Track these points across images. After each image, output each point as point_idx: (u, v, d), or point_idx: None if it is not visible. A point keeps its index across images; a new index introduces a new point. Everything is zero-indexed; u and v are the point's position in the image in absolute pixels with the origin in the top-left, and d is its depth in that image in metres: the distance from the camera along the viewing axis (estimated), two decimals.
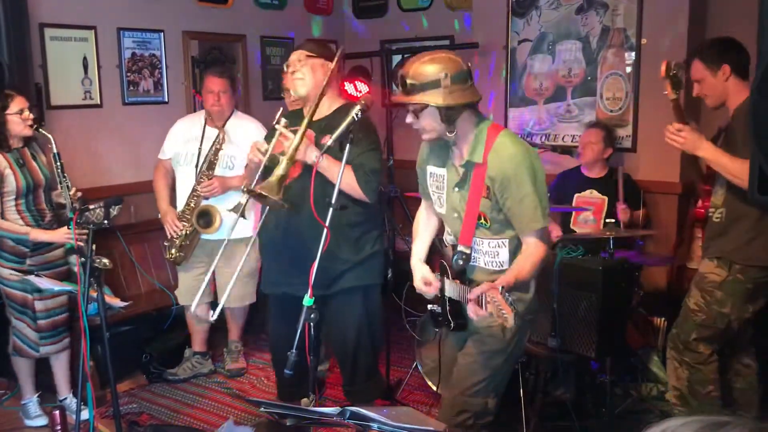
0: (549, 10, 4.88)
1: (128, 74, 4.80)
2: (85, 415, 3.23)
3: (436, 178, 2.57)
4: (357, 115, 2.58)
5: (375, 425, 1.87)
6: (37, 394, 3.81)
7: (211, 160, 4.03)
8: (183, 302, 4.34)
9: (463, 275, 2.46)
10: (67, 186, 3.52)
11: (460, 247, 2.47)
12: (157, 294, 4.64)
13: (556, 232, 4.25)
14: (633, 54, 4.55)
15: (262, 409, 2.18)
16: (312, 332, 2.41)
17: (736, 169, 2.73)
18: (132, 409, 3.94)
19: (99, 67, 4.63)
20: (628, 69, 4.59)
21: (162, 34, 4.95)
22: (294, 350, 2.36)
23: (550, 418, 3.54)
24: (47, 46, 4.36)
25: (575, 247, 3.39)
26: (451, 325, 2.53)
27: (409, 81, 2.32)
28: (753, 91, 1.89)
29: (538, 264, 2.39)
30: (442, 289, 2.53)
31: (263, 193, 2.67)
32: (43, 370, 3.83)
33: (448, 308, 2.52)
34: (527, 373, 3.60)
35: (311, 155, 2.84)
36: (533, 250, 2.40)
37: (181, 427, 3.75)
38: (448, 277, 2.50)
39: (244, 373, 4.45)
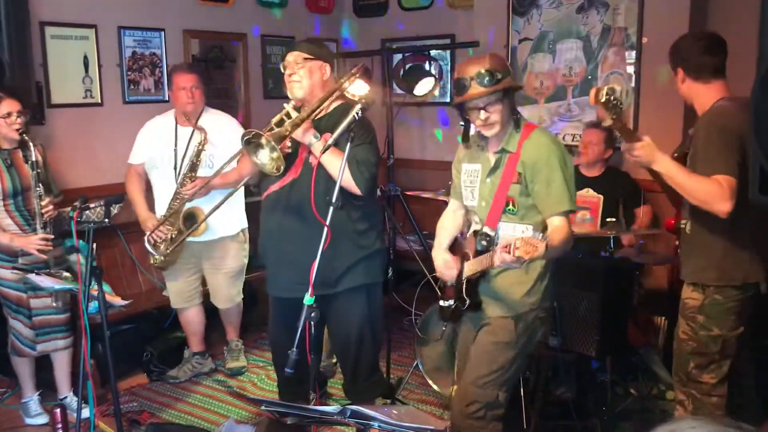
0: (550, 8, 4.88)
1: (129, 73, 4.80)
2: (85, 413, 3.23)
3: (470, 174, 2.74)
4: (358, 114, 2.58)
5: (376, 424, 1.87)
6: (37, 393, 3.81)
7: (194, 162, 3.93)
8: (175, 305, 4.33)
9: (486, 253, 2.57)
10: (40, 196, 3.49)
11: (485, 229, 2.61)
12: (157, 292, 4.64)
13: None
14: (634, 53, 4.55)
15: (263, 407, 2.18)
16: (313, 331, 2.40)
17: (689, 186, 2.57)
18: (133, 408, 3.94)
19: (99, 66, 4.63)
20: (629, 68, 4.59)
21: (163, 32, 4.95)
22: (295, 349, 2.36)
23: (551, 417, 3.54)
24: (48, 45, 4.36)
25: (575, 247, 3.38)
26: (467, 303, 2.64)
27: (494, 72, 2.51)
28: (754, 89, 1.89)
29: (564, 241, 2.48)
30: (459, 276, 2.66)
31: (266, 139, 2.67)
32: (43, 368, 3.83)
33: (464, 290, 2.65)
34: (528, 373, 3.61)
35: (309, 137, 2.88)
36: (561, 228, 2.51)
37: (181, 426, 3.74)
38: (467, 260, 2.64)
39: (245, 371, 4.45)
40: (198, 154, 3.94)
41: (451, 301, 2.73)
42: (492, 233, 2.59)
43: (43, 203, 3.49)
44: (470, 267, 2.63)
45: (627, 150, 2.64)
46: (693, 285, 2.80)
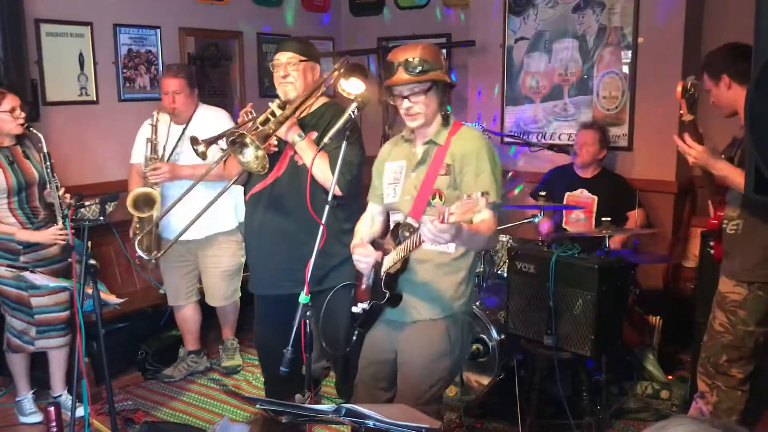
0: (546, 8, 4.88)
1: (124, 70, 4.79)
2: (80, 411, 3.22)
3: (394, 170, 2.62)
4: (354, 113, 2.57)
5: (370, 422, 1.87)
6: (31, 391, 3.80)
7: (154, 143, 3.93)
8: (171, 302, 4.32)
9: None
10: (57, 186, 3.48)
11: (408, 220, 2.48)
12: (152, 291, 4.63)
13: (548, 229, 4.26)
14: (629, 53, 4.55)
15: (258, 405, 2.18)
16: (308, 329, 2.40)
17: None
18: (127, 406, 3.93)
19: (95, 64, 4.62)
20: (625, 68, 4.59)
21: (158, 30, 4.94)
22: (290, 347, 2.36)
23: (547, 416, 3.54)
24: (43, 42, 4.35)
25: (571, 246, 3.38)
26: (386, 297, 2.49)
27: (422, 62, 2.42)
28: (750, 87, 1.88)
29: (486, 232, 2.36)
30: (378, 270, 2.52)
31: (250, 138, 2.67)
32: (37, 366, 3.82)
33: (383, 282, 2.50)
34: (522, 372, 3.61)
35: (294, 135, 2.89)
36: (485, 220, 2.36)
37: (176, 424, 3.74)
38: (387, 254, 2.51)
39: (240, 370, 4.44)
40: (155, 134, 3.95)
41: (365, 305, 2.58)
42: (416, 224, 2.44)
43: (60, 193, 3.48)
44: (391, 258, 2.49)
45: (684, 148, 2.70)
46: (737, 280, 2.85)
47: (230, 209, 4.19)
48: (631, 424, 3.63)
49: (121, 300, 3.23)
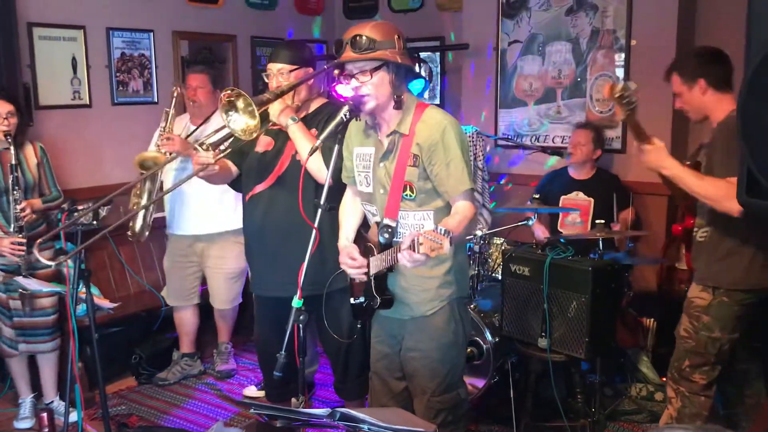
0: (539, 11, 4.89)
1: (117, 74, 4.78)
2: (73, 416, 3.21)
3: (363, 158, 2.59)
4: (345, 115, 2.55)
5: (365, 426, 1.87)
6: (31, 395, 3.80)
7: (168, 114, 4.06)
8: (172, 303, 4.32)
9: (389, 247, 2.45)
10: (15, 200, 3.48)
11: (385, 221, 2.47)
12: (146, 295, 4.62)
13: (542, 233, 4.27)
14: (623, 55, 4.57)
15: (252, 410, 2.17)
16: (301, 333, 2.40)
17: (701, 187, 2.61)
18: (121, 411, 3.92)
19: (88, 67, 4.61)
20: (618, 70, 4.61)
21: (152, 34, 4.93)
22: (283, 352, 2.35)
23: (541, 418, 3.55)
24: (36, 46, 4.33)
25: (565, 248, 3.39)
26: (378, 301, 2.51)
27: (367, 39, 2.34)
28: (741, 90, 1.89)
29: (467, 223, 2.38)
30: (366, 273, 2.52)
31: (244, 101, 2.65)
32: (34, 371, 3.81)
33: (373, 286, 2.52)
34: (517, 374, 3.61)
35: (287, 118, 2.89)
36: (463, 210, 2.40)
37: (170, 429, 3.73)
38: (372, 255, 2.51)
39: (234, 374, 4.44)
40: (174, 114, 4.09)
41: (362, 299, 2.59)
42: (393, 224, 2.45)
43: (19, 207, 3.48)
44: (376, 264, 2.49)
45: (637, 151, 2.67)
46: (703, 285, 2.83)
47: (235, 207, 4.17)
48: (625, 426, 3.64)
49: (115, 304, 3.22)
